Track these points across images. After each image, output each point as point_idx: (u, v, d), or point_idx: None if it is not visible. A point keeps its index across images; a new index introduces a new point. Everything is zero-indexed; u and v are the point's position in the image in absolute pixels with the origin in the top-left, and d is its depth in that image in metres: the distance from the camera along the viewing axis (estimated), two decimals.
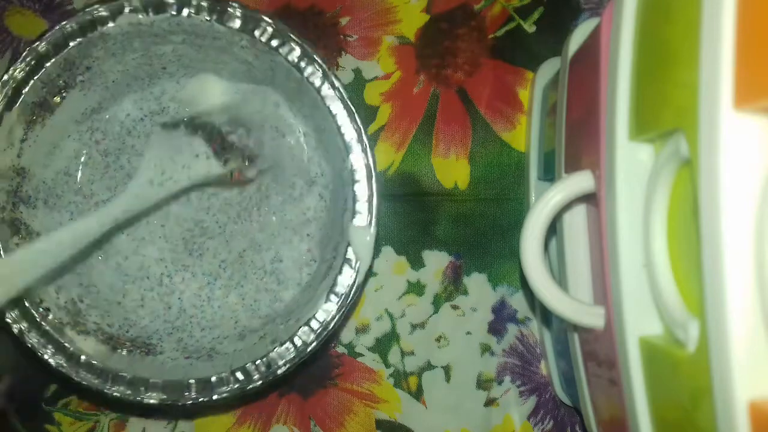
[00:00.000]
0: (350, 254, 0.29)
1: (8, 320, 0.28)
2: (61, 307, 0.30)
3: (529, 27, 0.35)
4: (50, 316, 0.29)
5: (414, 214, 0.35)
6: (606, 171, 0.21)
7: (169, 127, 0.30)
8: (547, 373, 0.35)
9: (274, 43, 0.28)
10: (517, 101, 0.35)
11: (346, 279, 0.29)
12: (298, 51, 0.28)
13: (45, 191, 0.31)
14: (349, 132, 0.28)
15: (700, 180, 0.16)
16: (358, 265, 0.28)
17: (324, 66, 0.28)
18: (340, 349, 0.35)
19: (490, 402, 0.35)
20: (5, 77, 0.28)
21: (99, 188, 0.32)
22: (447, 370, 0.35)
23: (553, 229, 0.25)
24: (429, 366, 0.35)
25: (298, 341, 0.29)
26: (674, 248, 0.20)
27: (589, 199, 0.24)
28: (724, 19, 0.16)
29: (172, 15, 0.28)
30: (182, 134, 0.29)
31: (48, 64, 0.28)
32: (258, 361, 0.28)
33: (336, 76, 0.28)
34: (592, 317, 0.23)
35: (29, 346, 0.28)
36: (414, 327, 0.35)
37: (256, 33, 0.28)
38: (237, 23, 0.28)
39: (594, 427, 0.27)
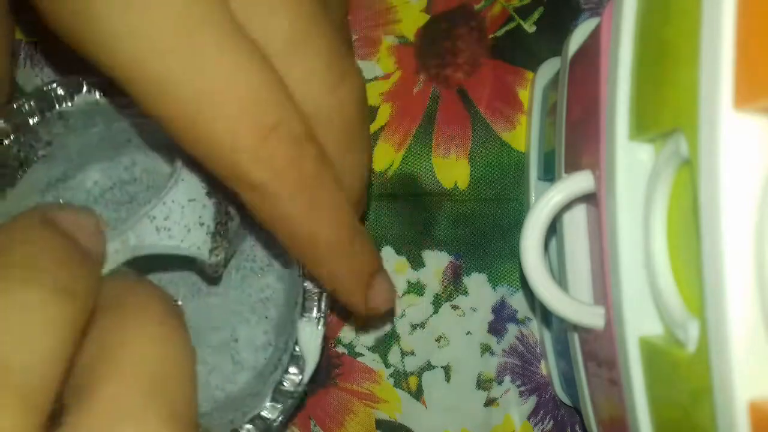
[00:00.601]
0: (298, 351, 0.28)
1: None
2: None
3: (529, 27, 0.35)
4: None
5: (414, 214, 0.35)
6: (606, 171, 0.21)
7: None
8: (547, 373, 0.35)
9: None
10: (517, 101, 0.35)
11: (292, 379, 0.28)
12: None
13: None
14: None
15: (700, 180, 0.16)
16: (304, 365, 0.28)
17: None
18: (340, 349, 0.35)
19: (490, 402, 0.35)
20: None
21: None
22: (447, 370, 0.35)
23: (553, 229, 0.25)
24: (429, 366, 0.35)
25: None
26: (674, 248, 0.20)
27: (589, 199, 0.24)
28: (724, 19, 0.16)
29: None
30: (203, 186, 0.27)
31: (6, 142, 0.28)
32: None
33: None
34: (592, 317, 0.23)
35: None
36: (414, 327, 0.35)
37: None
38: None
39: (594, 427, 0.27)
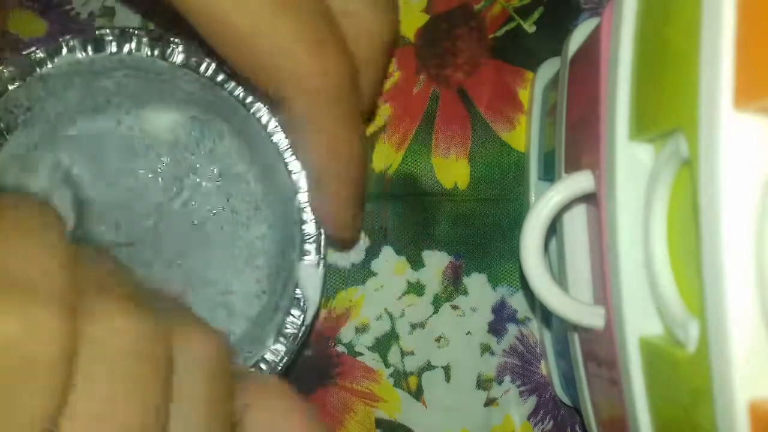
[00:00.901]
0: (299, 294, 0.28)
1: None
2: None
3: (529, 27, 0.35)
4: None
5: (414, 214, 0.35)
6: (606, 171, 0.21)
7: None
8: (547, 373, 0.35)
9: (219, 78, 0.28)
10: (517, 101, 0.35)
11: (294, 320, 0.28)
12: (240, 89, 0.28)
13: None
14: (296, 169, 0.28)
15: (700, 180, 0.16)
16: (306, 306, 0.28)
17: (265, 102, 0.28)
18: (340, 348, 0.35)
19: (490, 402, 0.35)
20: None
21: None
22: (447, 370, 0.35)
23: (553, 229, 0.25)
24: (429, 366, 0.35)
25: None
26: (674, 248, 0.20)
27: (589, 199, 0.24)
28: (724, 19, 0.16)
29: (112, 53, 0.28)
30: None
31: None
32: None
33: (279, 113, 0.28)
34: (592, 317, 0.23)
35: None
36: (414, 327, 0.35)
37: (201, 68, 0.28)
38: (180, 58, 0.28)
39: (594, 427, 0.27)
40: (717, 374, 0.16)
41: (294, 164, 0.28)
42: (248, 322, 0.31)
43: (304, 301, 0.28)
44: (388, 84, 0.35)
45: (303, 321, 0.28)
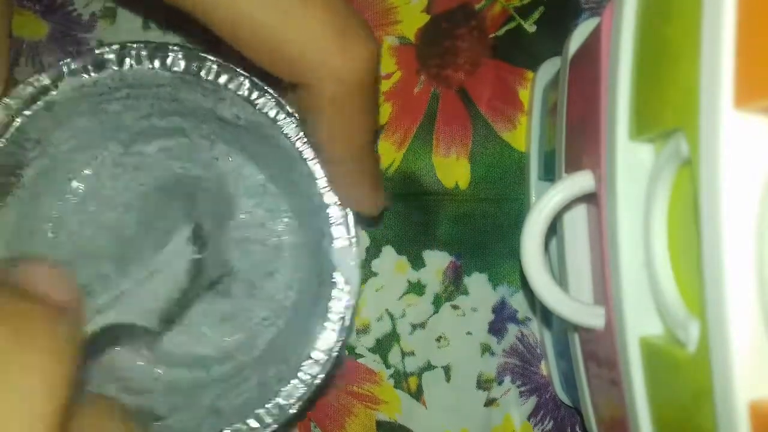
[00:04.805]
0: (336, 278, 0.28)
1: None
2: None
3: (530, 27, 0.35)
4: None
5: (414, 213, 0.35)
6: (606, 171, 0.21)
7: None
8: (548, 374, 0.35)
9: (222, 79, 0.28)
10: (518, 101, 0.35)
11: (337, 304, 0.28)
12: (247, 83, 0.28)
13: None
14: (312, 156, 0.28)
15: (700, 180, 0.16)
16: (348, 288, 0.28)
17: (275, 95, 0.28)
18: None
19: (490, 402, 0.35)
20: None
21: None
22: (447, 370, 0.35)
23: (553, 229, 0.25)
24: (429, 366, 0.35)
25: (304, 376, 0.28)
26: (675, 248, 0.20)
27: (590, 199, 0.24)
28: (725, 18, 0.16)
29: (114, 70, 0.28)
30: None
31: (1, 144, 0.28)
32: (268, 405, 0.28)
33: (289, 105, 0.28)
34: (593, 317, 0.23)
35: None
36: (414, 327, 0.35)
37: (202, 73, 0.28)
38: (181, 65, 0.28)
39: (594, 427, 0.27)
40: (717, 374, 0.16)
41: (308, 152, 0.28)
42: (290, 312, 0.32)
43: (344, 284, 0.28)
44: (388, 83, 0.35)
45: (347, 304, 0.28)
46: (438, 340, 0.35)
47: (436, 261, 0.35)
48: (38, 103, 0.28)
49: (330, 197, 0.28)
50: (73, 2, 0.35)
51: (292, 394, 0.28)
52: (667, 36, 0.19)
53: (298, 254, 0.32)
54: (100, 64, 0.28)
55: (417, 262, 0.35)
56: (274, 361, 0.30)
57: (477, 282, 0.35)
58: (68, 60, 0.27)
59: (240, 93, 0.28)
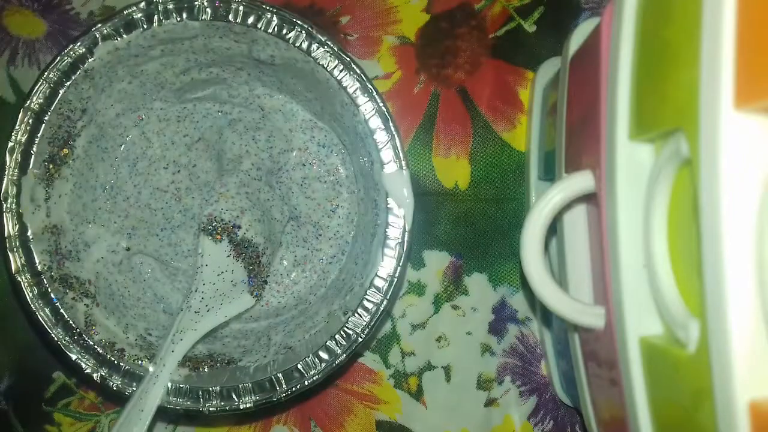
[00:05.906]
0: (391, 203, 0.28)
1: (87, 370, 0.29)
2: (133, 345, 0.30)
3: (530, 27, 0.35)
4: (126, 356, 0.29)
5: (415, 213, 0.35)
6: (606, 171, 0.21)
7: (213, 235, 0.30)
8: (548, 374, 0.35)
9: (250, 20, 0.28)
10: (518, 101, 0.35)
11: (394, 230, 0.28)
12: (275, 19, 0.28)
13: (82, 241, 0.31)
14: (351, 84, 0.28)
15: (701, 180, 0.16)
16: (402, 212, 0.28)
17: (304, 24, 0.28)
18: None
19: (490, 402, 0.35)
20: (10, 144, 0.28)
21: (128, 223, 0.32)
22: (447, 370, 0.35)
23: (553, 229, 0.25)
24: (429, 366, 0.35)
25: (368, 304, 0.29)
26: (674, 248, 0.20)
27: (590, 199, 0.24)
28: (725, 19, 0.16)
29: (144, 29, 0.28)
30: (225, 253, 0.30)
31: (46, 118, 0.28)
32: (337, 336, 0.29)
33: (321, 33, 0.28)
34: (593, 317, 0.23)
35: (114, 388, 0.29)
36: (414, 327, 0.35)
37: (230, 17, 0.28)
38: (208, 12, 0.28)
39: (594, 427, 0.27)
40: (717, 374, 0.16)
41: (348, 80, 0.28)
42: (351, 245, 0.32)
43: (398, 209, 0.28)
44: (388, 83, 0.35)
45: (404, 227, 0.28)
46: (438, 340, 0.35)
47: (437, 261, 0.35)
48: (78, 72, 0.28)
49: (374, 122, 0.28)
50: (71, 1, 0.35)
51: (358, 324, 0.29)
52: (667, 36, 0.19)
53: (354, 186, 0.32)
54: (130, 24, 0.28)
55: (417, 262, 0.35)
56: (338, 295, 0.31)
57: (477, 282, 0.35)
58: (99, 25, 0.28)
59: (270, 31, 0.28)
